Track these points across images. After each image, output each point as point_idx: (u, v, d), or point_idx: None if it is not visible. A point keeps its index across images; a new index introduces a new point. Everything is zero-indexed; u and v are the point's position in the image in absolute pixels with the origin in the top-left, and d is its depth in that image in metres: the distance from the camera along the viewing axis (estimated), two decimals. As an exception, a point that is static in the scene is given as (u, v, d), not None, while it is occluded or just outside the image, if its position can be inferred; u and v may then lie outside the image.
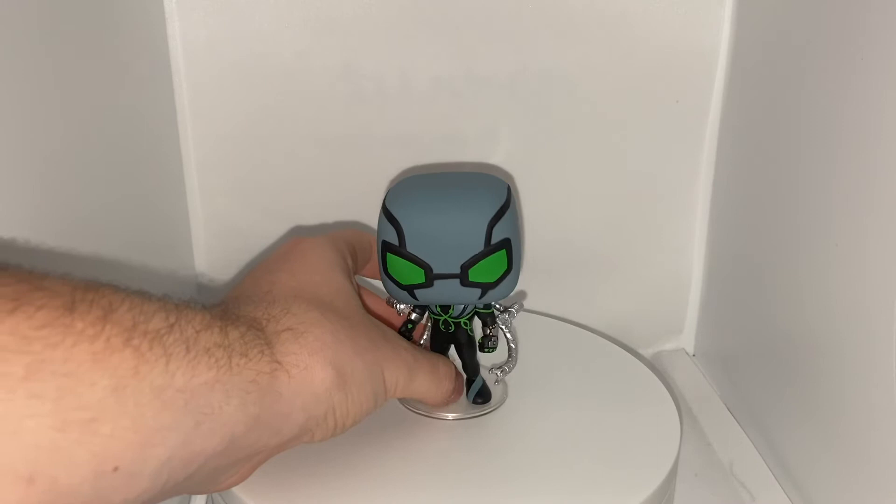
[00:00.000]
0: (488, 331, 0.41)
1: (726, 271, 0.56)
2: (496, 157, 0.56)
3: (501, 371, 0.42)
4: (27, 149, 0.36)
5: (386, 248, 0.37)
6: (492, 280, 0.37)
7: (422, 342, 0.43)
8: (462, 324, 0.41)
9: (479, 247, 0.36)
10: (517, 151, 0.56)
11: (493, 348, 0.41)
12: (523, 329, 0.48)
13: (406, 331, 0.41)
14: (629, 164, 0.57)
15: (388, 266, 0.37)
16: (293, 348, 0.31)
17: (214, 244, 0.57)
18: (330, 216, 0.56)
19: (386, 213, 0.37)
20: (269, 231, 0.57)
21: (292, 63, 0.53)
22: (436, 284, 0.37)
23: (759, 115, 0.50)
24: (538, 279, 0.57)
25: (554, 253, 0.58)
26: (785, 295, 0.47)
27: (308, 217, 0.57)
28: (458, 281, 0.37)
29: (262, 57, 0.52)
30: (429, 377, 0.38)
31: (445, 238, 0.36)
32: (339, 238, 0.40)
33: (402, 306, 0.41)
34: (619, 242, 0.59)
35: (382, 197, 0.39)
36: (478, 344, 0.41)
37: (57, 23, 0.39)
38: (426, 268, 0.37)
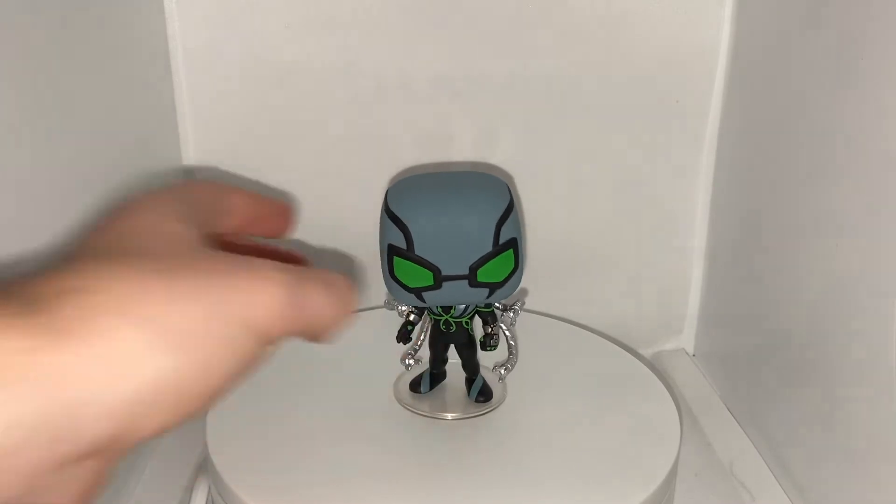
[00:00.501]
0: (489, 329, 0.41)
1: (726, 271, 0.56)
2: (496, 157, 0.56)
3: (505, 369, 0.42)
4: (26, 148, 0.36)
5: (393, 251, 0.37)
6: (499, 280, 0.37)
7: (419, 343, 0.43)
8: (463, 323, 0.41)
9: (488, 247, 0.37)
10: (517, 151, 0.56)
11: (495, 346, 0.41)
12: (523, 329, 0.48)
13: (407, 332, 0.41)
14: (629, 164, 0.57)
15: (394, 269, 0.37)
16: (81, 310, 0.22)
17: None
18: (330, 216, 0.56)
19: (391, 216, 0.37)
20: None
21: (292, 63, 0.53)
22: (444, 286, 0.37)
23: (759, 116, 0.50)
24: (538, 279, 0.57)
25: (554, 253, 0.58)
26: (785, 295, 0.47)
27: (308, 216, 0.56)
28: (466, 282, 0.37)
29: (261, 57, 0.52)
30: (323, 292, 0.29)
31: (454, 240, 0.36)
32: (178, 197, 0.30)
33: (403, 308, 0.41)
34: (619, 242, 0.59)
35: (383, 196, 0.39)
36: (479, 343, 0.41)
37: (57, 23, 0.39)
38: (435, 270, 0.37)
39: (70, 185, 0.40)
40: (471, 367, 0.43)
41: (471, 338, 0.42)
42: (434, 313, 0.41)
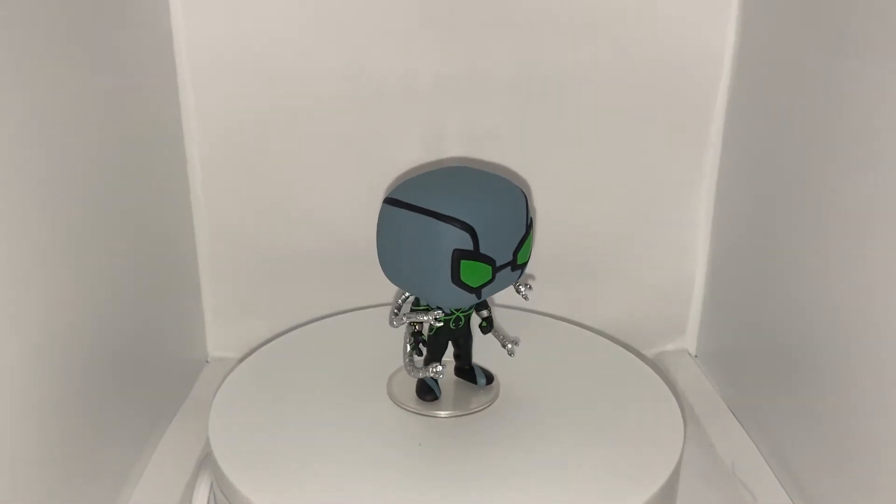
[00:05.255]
0: (486, 313, 0.42)
1: (729, 272, 0.56)
2: (499, 156, 0.56)
3: (512, 343, 0.43)
4: (30, 148, 0.36)
5: (461, 255, 0.37)
6: (527, 259, 0.40)
7: (409, 348, 0.42)
8: (470, 315, 0.42)
9: (523, 230, 0.39)
10: (520, 151, 0.56)
11: (493, 327, 0.43)
12: (526, 329, 0.48)
13: (419, 341, 0.42)
14: (633, 165, 0.57)
15: (461, 273, 0.37)
16: None
17: (217, 241, 0.57)
18: (332, 214, 0.56)
19: (449, 220, 0.36)
20: (272, 228, 0.57)
21: (296, 62, 0.53)
22: (496, 277, 0.38)
23: (762, 116, 0.50)
24: (541, 279, 0.57)
25: (557, 253, 0.58)
26: (787, 296, 0.47)
27: (311, 215, 0.57)
28: (509, 267, 0.39)
29: (265, 56, 0.53)
30: None
31: (502, 231, 0.38)
32: None
33: (425, 317, 0.40)
34: (621, 243, 0.59)
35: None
36: (480, 328, 0.43)
37: (60, 22, 0.39)
38: (492, 263, 0.38)
39: (73, 182, 0.40)
40: (467, 356, 0.44)
41: (469, 328, 0.43)
42: (446, 313, 0.41)
